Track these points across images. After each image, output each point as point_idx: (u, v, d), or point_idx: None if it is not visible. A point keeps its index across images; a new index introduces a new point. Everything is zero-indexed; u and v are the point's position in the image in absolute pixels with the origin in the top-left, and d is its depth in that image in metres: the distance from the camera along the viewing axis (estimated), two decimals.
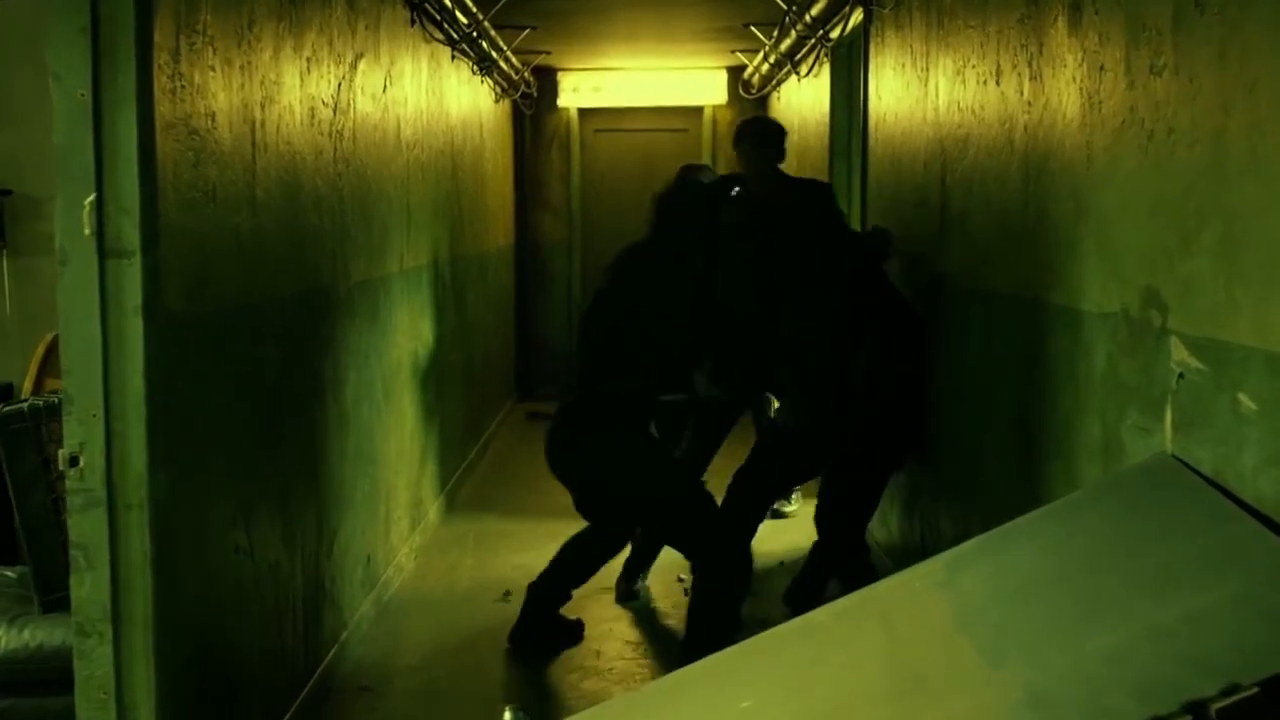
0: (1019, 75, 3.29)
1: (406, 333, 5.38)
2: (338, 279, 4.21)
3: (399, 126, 5.21)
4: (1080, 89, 2.81)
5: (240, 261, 3.21)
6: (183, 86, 2.79)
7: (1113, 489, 2.34)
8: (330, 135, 4.08)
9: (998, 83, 3.49)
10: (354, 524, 4.39)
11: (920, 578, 2.32)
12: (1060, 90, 2.96)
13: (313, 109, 3.86)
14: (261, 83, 3.36)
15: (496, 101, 8.70)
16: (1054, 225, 3.01)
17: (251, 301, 3.31)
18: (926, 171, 4.37)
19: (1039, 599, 2.02)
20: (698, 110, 10.16)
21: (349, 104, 4.32)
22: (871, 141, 5.48)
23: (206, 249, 2.96)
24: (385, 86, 4.92)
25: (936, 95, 4.23)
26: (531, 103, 9.82)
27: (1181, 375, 2.28)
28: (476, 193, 7.71)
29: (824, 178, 6.74)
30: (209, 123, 2.96)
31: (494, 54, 7.43)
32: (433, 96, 6.09)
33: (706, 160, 10.18)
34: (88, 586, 2.60)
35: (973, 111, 3.76)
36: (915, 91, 4.56)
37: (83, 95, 2.50)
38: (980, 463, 3.67)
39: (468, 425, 7.20)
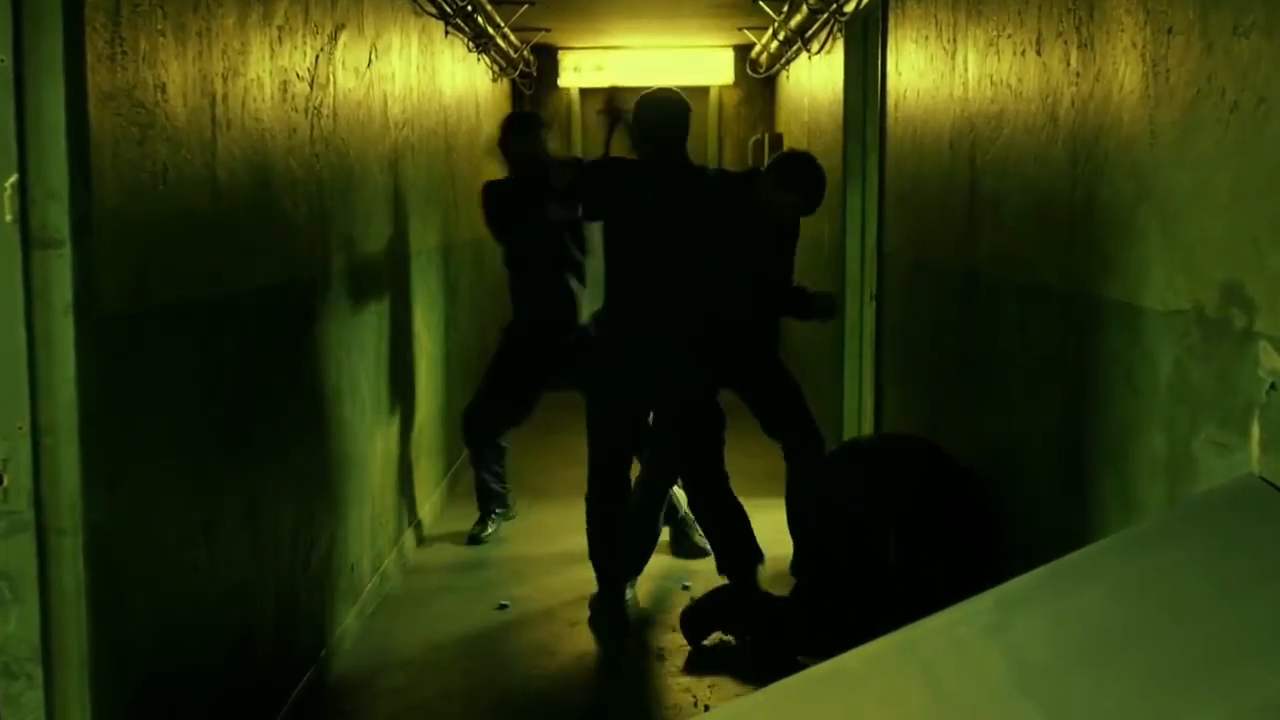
0: (1064, 43, 2.96)
1: (394, 325, 5.06)
2: (317, 269, 3.89)
3: (386, 105, 4.88)
4: (1142, 56, 2.48)
5: (199, 251, 2.89)
6: (124, 53, 2.46)
7: (1192, 518, 2.02)
8: (307, 112, 3.75)
9: (1038, 52, 3.16)
10: (336, 532, 4.08)
11: (966, 620, 2.00)
12: (1116, 58, 2.63)
13: (285, 83, 3.53)
14: (224, 52, 3.03)
15: (494, 81, 8.36)
16: (1108, 211, 2.68)
17: (214, 296, 2.99)
18: (953, 152, 4.03)
19: (1116, 658, 1.69)
20: (703, 90, 9.81)
21: (328, 79, 3.99)
22: (890, 121, 5.15)
23: (155, 237, 2.63)
24: (370, 61, 4.59)
25: (965, 69, 3.89)
26: (531, 82, 9.48)
27: (1274, 386, 1.96)
28: (472, 176, 7.38)
29: (837, 159, 6.41)
30: (158, 95, 2.63)
31: (490, 29, 7.09)
32: (424, 73, 5.75)
33: (713, 142, 9.85)
34: (14, 623, 2.28)
35: (1008, 85, 3.43)
36: (940, 65, 4.22)
37: (1, 61, 2.18)
38: (1014, 478, 3.34)
39: None
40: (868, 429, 6.41)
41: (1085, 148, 2.81)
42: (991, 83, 3.59)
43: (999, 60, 3.52)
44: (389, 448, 4.92)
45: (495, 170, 5.64)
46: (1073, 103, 2.90)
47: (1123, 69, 2.59)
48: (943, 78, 4.19)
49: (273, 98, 3.42)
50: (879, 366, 5.45)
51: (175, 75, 2.73)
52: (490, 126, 8.14)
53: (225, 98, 3.04)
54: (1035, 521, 3.16)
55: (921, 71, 4.54)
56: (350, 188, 4.31)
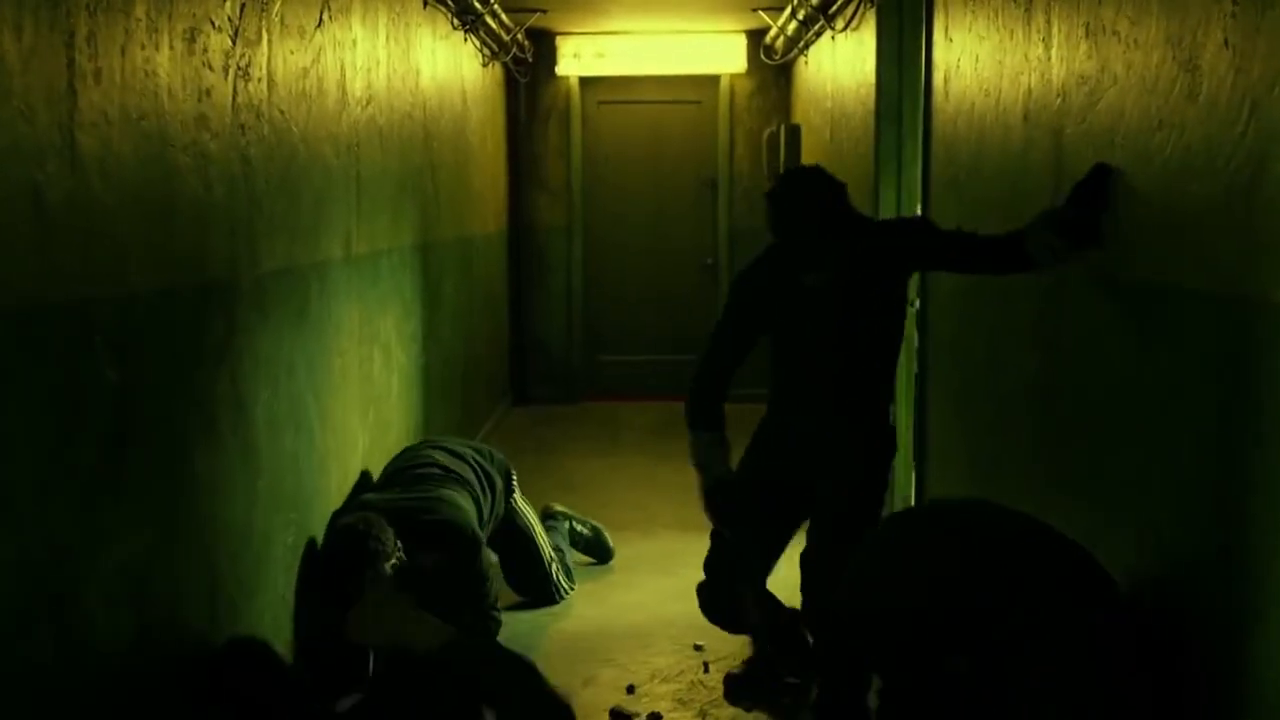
0: None
1: (355, 335, 4.30)
2: (242, 267, 3.14)
3: (344, 76, 4.13)
4: None
5: (41, 241, 2.14)
6: None
7: None
8: (227, 71, 3.00)
9: None
10: (269, 590, 3.33)
11: None
12: None
13: (192, 30, 2.78)
14: None
15: (484, 65, 7.61)
16: None
17: (66, 299, 2.23)
18: (1029, 125, 3.28)
19: None
20: (713, 79, 9.06)
21: (260, 34, 3.24)
22: (938, 97, 4.39)
23: None
24: (322, 21, 3.84)
25: (1047, 21, 3.13)
26: (527, 69, 8.73)
27: None
28: (457, 168, 6.63)
29: (867, 148, 5.66)
30: None
31: (478, 4, 6.34)
32: (396, 46, 5.01)
33: (724, 136, 9.11)
34: None
35: (1115, 34, 2.67)
36: (1010, 21, 3.46)
37: None
38: (1156, 520, 2.55)
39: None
40: (903, 471, 5.64)
41: (1252, 105, 2.05)
42: (1087, 33, 2.84)
43: (1099, 3, 2.77)
44: (346, 483, 4.16)
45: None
46: (1227, 42, 2.15)
47: None
48: (1013, 36, 3.44)
49: (173, 48, 2.67)
50: (921, 389, 4.69)
51: (6, 6, 1.98)
52: (480, 115, 7.40)
53: (92, 38, 2.29)
54: (1179, 564, 2.39)
55: (982, 34, 3.78)
56: (293, 170, 3.56)
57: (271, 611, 3.34)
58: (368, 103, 4.47)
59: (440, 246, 6.06)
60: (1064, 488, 2.98)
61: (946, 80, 4.25)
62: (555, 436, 8.00)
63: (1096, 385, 2.79)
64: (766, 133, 8.69)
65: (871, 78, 5.63)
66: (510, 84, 8.74)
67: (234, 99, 3.05)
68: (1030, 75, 3.27)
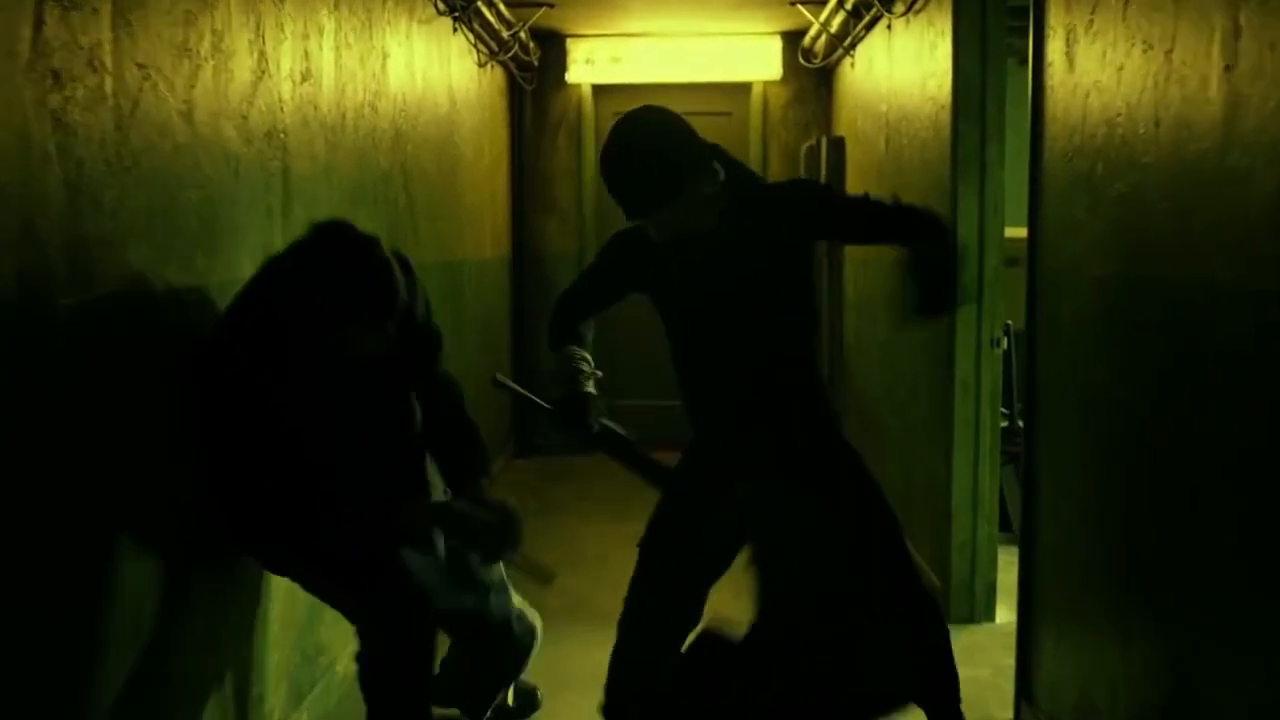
0: None
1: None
2: (46, 292, 2.07)
3: (261, 34, 3.07)
4: None
5: None
6: None
7: None
8: None
9: None
10: None
11: None
12: None
13: None
14: None
15: (481, 65, 6.58)
16: None
17: None
18: (1235, 105, 2.18)
19: None
20: (744, 87, 8.00)
21: None
22: (1055, 77, 3.29)
23: None
24: None
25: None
26: (533, 76, 7.71)
27: None
28: (441, 179, 5.58)
29: (938, 153, 4.58)
30: None
31: None
32: (352, 16, 3.95)
33: (756, 150, 8.06)
34: None
35: None
36: None
37: None
38: None
39: None
40: (985, 556, 4.54)
41: None
42: None
43: None
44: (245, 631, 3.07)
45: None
46: None
47: None
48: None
49: None
50: (1031, 453, 3.56)
51: None
52: (474, 122, 6.37)
53: None
54: None
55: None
56: (162, 153, 2.49)
57: None
58: (303, 79, 3.41)
59: (420, 270, 4.98)
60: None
61: (1071, 50, 3.16)
62: (564, 495, 6.90)
63: None
64: (805, 147, 7.62)
65: (946, 68, 4.56)
66: (514, 91, 7.71)
67: (38, 30, 2.00)
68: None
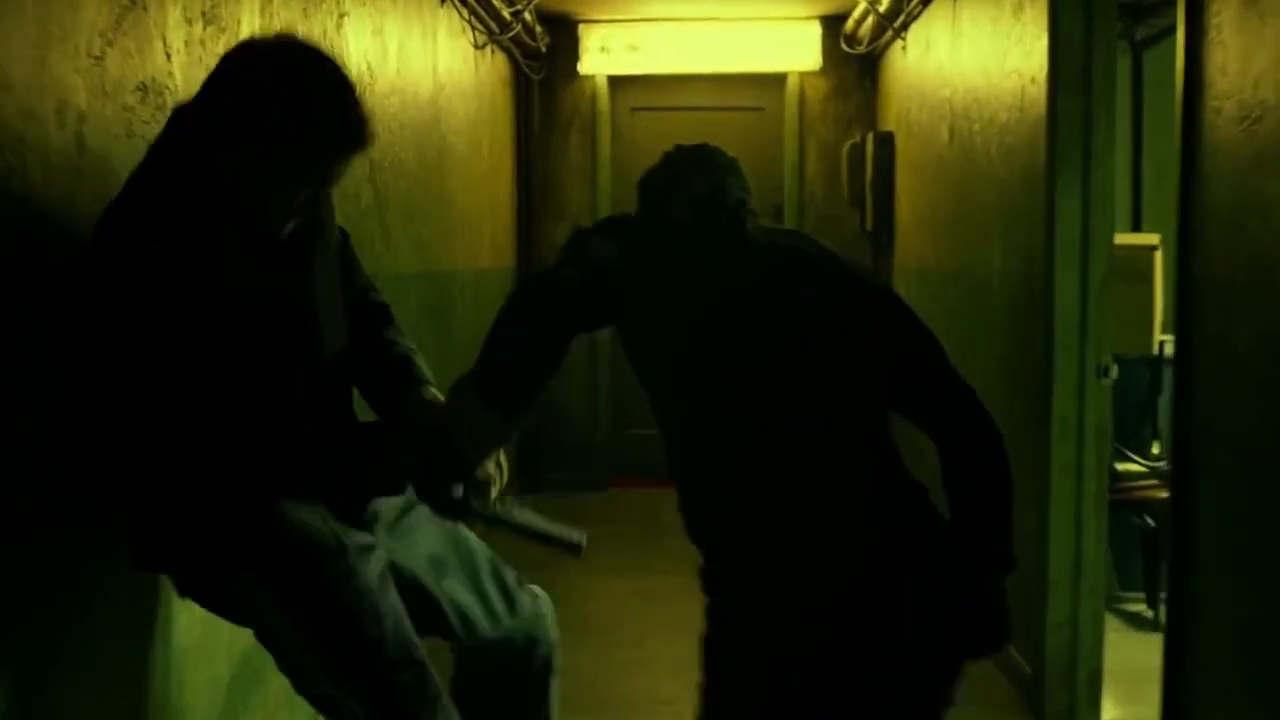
0: None
1: None
2: None
3: None
4: None
5: None
6: None
7: None
8: None
9: None
10: None
11: None
12: None
13: None
14: None
15: (479, 48, 5.74)
16: None
17: None
18: None
19: None
20: (778, 79, 7.14)
21: None
22: (1219, 25, 2.41)
23: None
24: None
25: None
26: (542, 65, 6.88)
27: None
28: (425, 177, 4.75)
29: (1025, 137, 3.72)
30: None
31: None
32: None
33: (792, 151, 7.20)
34: None
35: None
36: None
37: None
38: None
39: None
40: (1089, 637, 3.66)
41: None
42: None
43: None
44: None
45: None
46: None
47: None
48: None
49: None
50: (1183, 508, 2.67)
51: None
52: (470, 112, 5.54)
53: None
54: None
55: None
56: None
57: None
58: (205, 21, 2.56)
59: (393, 281, 4.14)
60: None
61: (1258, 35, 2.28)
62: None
63: None
64: (848, 145, 6.75)
65: (1038, 31, 3.69)
66: (520, 83, 6.88)
67: None
68: None
